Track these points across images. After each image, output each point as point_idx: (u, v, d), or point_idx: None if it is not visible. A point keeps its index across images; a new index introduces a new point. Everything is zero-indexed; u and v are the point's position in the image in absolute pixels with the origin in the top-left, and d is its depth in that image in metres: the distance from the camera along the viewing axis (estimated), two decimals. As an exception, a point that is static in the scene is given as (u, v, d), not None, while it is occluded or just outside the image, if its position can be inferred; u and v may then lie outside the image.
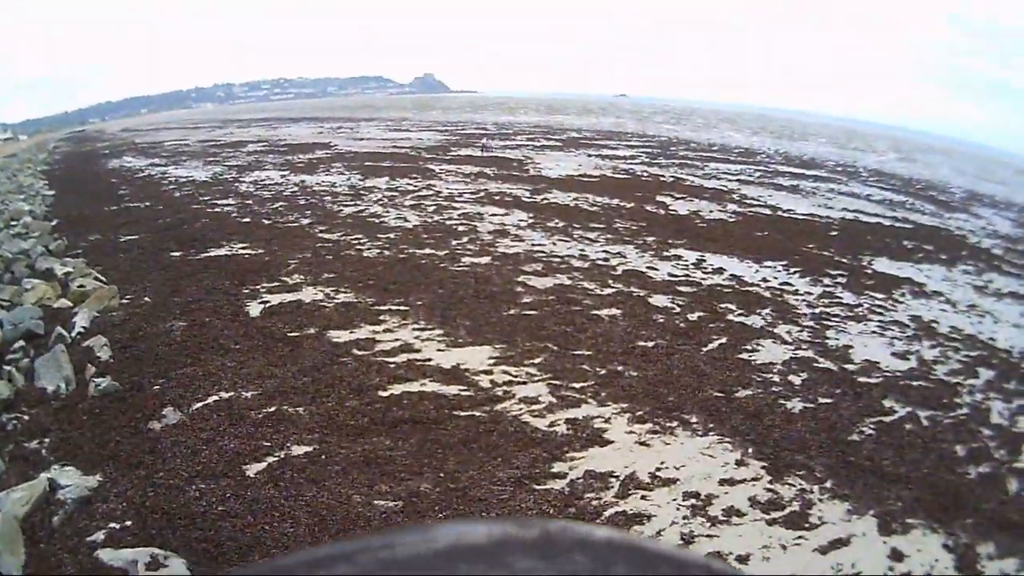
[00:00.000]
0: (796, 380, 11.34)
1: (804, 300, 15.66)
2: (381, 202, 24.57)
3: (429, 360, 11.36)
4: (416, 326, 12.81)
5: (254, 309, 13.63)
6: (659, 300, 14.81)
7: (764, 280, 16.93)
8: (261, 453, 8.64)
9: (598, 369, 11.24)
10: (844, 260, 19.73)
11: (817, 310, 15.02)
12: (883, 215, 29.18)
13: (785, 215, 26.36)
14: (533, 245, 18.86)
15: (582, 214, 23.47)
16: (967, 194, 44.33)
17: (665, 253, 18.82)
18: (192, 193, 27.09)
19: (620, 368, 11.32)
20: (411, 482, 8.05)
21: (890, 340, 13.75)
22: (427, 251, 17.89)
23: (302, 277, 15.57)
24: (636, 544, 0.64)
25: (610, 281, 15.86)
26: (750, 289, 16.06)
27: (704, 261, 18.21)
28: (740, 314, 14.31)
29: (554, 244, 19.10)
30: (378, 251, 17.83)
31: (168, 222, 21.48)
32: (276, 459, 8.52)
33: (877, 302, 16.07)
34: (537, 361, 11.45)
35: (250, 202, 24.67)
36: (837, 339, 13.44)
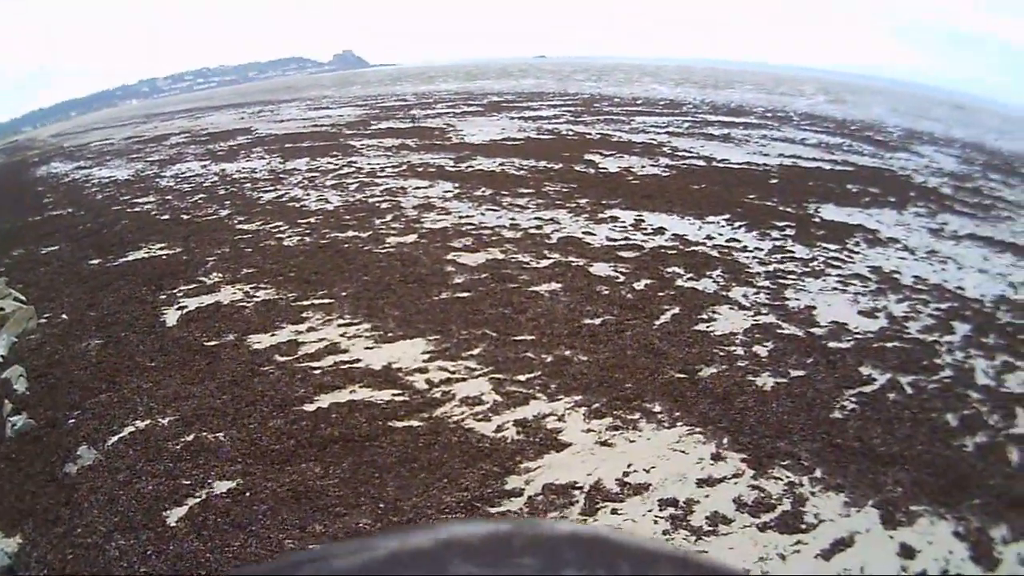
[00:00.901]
0: (762, 351, 10.37)
1: (755, 257, 14.74)
2: (302, 184, 23.17)
3: (358, 361, 10.17)
4: (342, 321, 11.61)
5: (171, 317, 12.41)
6: (601, 269, 13.73)
7: (709, 238, 15.96)
8: (181, 495, 7.58)
9: (544, 356, 10.11)
10: (789, 210, 18.93)
11: (770, 267, 14.11)
12: (822, 159, 28.60)
13: (721, 165, 25.50)
14: (461, 217, 17.65)
15: (509, 179, 22.29)
16: (905, 132, 44.16)
17: (601, 215, 17.72)
18: (113, 194, 25.34)
19: (568, 353, 10.20)
20: (347, 517, 7.00)
21: (854, 296, 12.94)
22: (350, 233, 16.63)
23: (220, 275, 14.29)
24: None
25: (546, 251, 14.73)
26: (696, 249, 15.06)
27: (643, 221, 17.17)
28: (690, 278, 13.30)
29: (483, 214, 17.92)
30: (299, 238, 16.53)
31: (89, 227, 19.87)
32: (197, 501, 7.46)
33: (832, 254, 15.28)
34: (476, 352, 10.29)
35: (170, 197, 23.07)
36: (797, 299, 12.55)
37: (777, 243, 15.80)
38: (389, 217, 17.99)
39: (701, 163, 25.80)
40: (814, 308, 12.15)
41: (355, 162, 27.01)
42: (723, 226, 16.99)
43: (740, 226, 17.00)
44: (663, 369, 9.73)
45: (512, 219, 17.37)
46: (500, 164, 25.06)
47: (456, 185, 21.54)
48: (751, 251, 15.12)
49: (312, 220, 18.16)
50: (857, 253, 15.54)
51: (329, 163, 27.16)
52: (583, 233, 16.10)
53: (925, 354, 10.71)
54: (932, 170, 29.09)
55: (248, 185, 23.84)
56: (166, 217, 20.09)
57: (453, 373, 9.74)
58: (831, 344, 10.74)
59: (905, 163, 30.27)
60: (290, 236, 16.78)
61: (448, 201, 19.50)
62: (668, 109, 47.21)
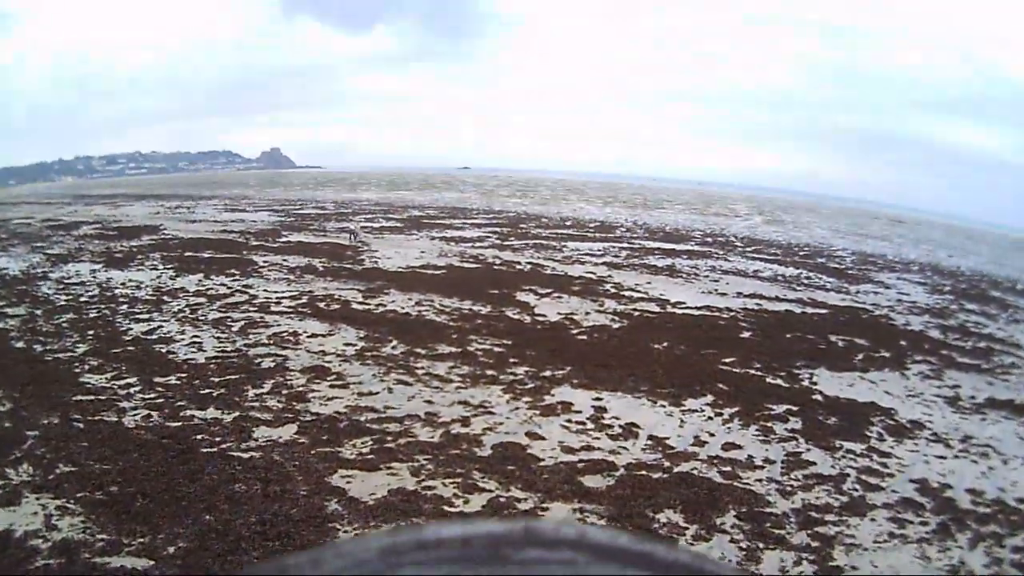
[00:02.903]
0: None
1: (770, 479, 10.60)
2: (182, 314, 19.10)
3: None
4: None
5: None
6: (562, 517, 9.19)
7: (697, 441, 11.82)
8: None
9: None
10: (780, 381, 15.35)
11: (797, 501, 9.95)
12: (786, 299, 25.72)
13: (678, 311, 21.92)
14: (360, 394, 13.30)
15: (427, 328, 18.19)
16: (857, 257, 43.01)
17: (547, 398, 13.51)
18: (-9, 299, 21.07)
19: None
20: None
21: (919, 548, 9.16)
22: (210, 413, 12.16)
23: (31, 472, 9.88)
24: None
25: (476, 473, 10.25)
26: (688, 469, 10.74)
27: (604, 411, 12.93)
28: (696, 536, 8.93)
29: (389, 391, 13.58)
30: (146, 413, 12.08)
31: (-58, 354, 15.83)
32: None
33: (861, 463, 11.57)
34: None
35: (39, 313, 19.08)
36: (855, 568, 8.50)
37: (787, 447, 11.84)
38: (267, 386, 13.64)
39: (655, 308, 22.16)
40: (886, 586, 8.13)
41: (251, 287, 23.05)
42: (710, 417, 12.95)
43: (732, 416, 13.00)
44: None
45: (428, 401, 13.04)
46: (417, 303, 21.07)
47: (361, 336, 17.31)
48: (761, 467, 10.98)
49: (172, 380, 13.81)
50: (888, 456, 11.91)
51: (223, 285, 23.32)
52: (527, 436, 11.68)
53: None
54: (907, 306, 26.96)
55: (124, 307, 19.89)
56: (20, 346, 16.12)
57: None
58: None
59: (875, 298, 28.07)
60: (135, 409, 12.35)
61: (347, 362, 15.26)
62: (601, 233, 44.79)
